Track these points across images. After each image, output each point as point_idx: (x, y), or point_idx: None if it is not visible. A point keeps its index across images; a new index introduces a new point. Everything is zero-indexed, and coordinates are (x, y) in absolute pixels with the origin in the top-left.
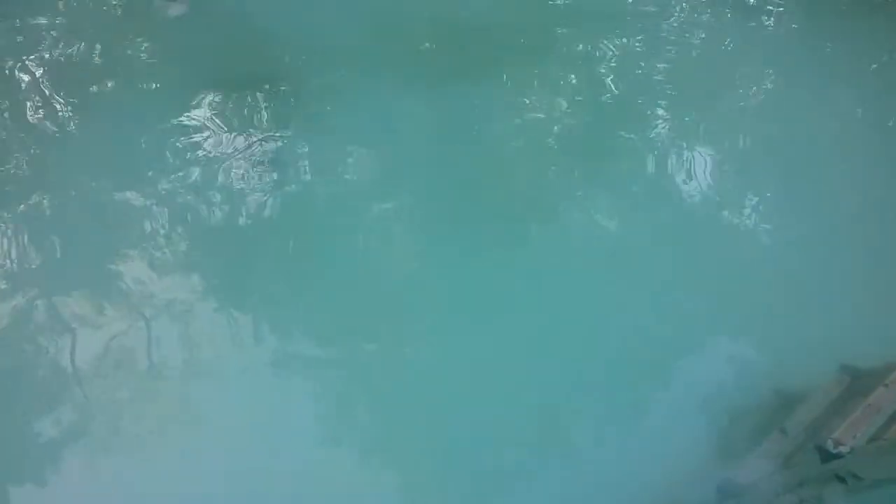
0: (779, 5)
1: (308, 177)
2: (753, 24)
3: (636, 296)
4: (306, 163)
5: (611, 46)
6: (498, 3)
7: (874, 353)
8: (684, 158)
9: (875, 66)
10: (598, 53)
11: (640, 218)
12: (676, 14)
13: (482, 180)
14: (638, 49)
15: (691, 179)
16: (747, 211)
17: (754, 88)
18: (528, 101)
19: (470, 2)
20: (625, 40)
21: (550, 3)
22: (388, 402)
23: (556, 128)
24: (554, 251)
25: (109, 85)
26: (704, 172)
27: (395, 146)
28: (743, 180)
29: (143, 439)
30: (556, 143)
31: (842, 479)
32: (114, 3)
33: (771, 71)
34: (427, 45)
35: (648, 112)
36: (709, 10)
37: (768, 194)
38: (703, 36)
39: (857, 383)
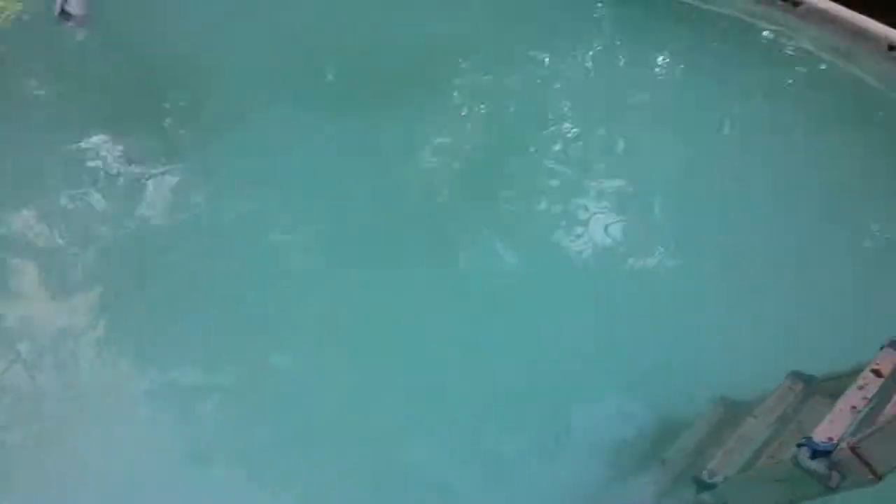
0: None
1: (205, 207)
2: (650, 66)
3: (529, 330)
4: (203, 194)
5: (514, 81)
6: (403, 35)
7: (750, 385)
8: (585, 195)
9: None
10: (502, 87)
11: (539, 252)
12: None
13: (383, 211)
14: (539, 84)
15: (590, 217)
16: (644, 249)
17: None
18: (431, 133)
19: (377, 33)
20: (525, 77)
21: (457, 36)
22: (285, 425)
23: (457, 163)
24: (452, 285)
25: None
26: (604, 211)
27: (296, 177)
28: (643, 216)
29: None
30: (460, 176)
31: None
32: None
33: (669, 106)
34: (332, 75)
35: (551, 143)
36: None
37: (667, 232)
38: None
39: (732, 414)
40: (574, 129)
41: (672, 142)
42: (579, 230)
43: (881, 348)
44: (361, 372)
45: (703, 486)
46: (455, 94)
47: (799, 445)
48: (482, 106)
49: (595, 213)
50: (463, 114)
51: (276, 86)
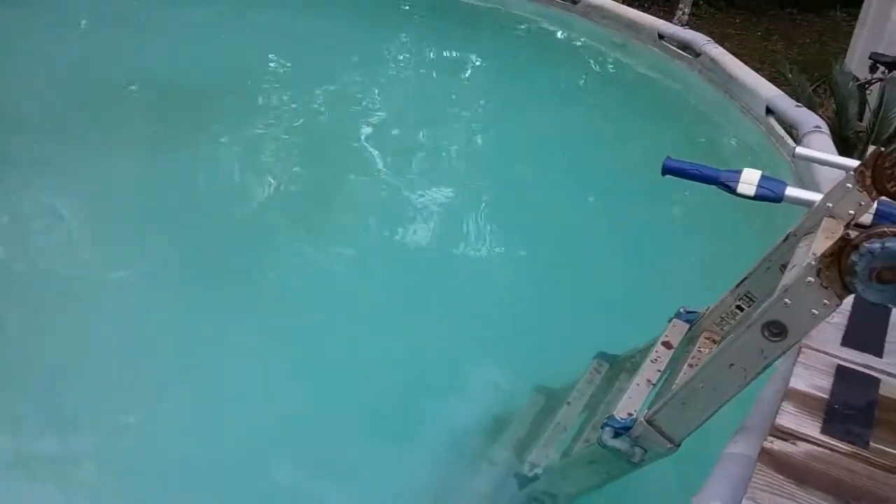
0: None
1: (21, 252)
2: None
3: (363, 336)
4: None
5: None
6: (212, 68)
7: (567, 372)
8: (404, 199)
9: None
10: (314, 109)
11: (370, 259)
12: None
13: (208, 241)
14: (355, 109)
15: (418, 219)
16: (479, 241)
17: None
18: (246, 160)
19: (191, 68)
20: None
21: (266, 65)
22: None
23: (274, 185)
24: (286, 297)
25: None
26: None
27: (117, 214)
28: (462, 215)
29: None
30: (279, 198)
31: (538, 501)
32: None
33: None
34: (144, 110)
35: (367, 161)
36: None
37: (486, 227)
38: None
39: (550, 403)
40: (388, 137)
41: (481, 141)
42: (402, 233)
43: (669, 320)
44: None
45: (524, 480)
46: (260, 116)
47: (602, 426)
48: (289, 125)
49: (415, 217)
50: (272, 135)
51: (86, 124)
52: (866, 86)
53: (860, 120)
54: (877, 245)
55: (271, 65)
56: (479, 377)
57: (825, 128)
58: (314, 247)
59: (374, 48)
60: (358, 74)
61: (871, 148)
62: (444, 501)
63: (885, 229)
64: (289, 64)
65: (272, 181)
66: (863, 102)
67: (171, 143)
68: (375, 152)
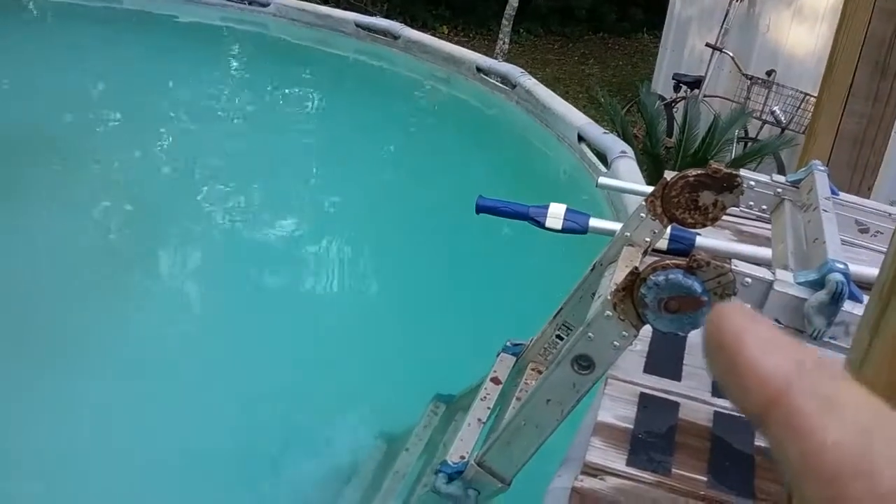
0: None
1: None
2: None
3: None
4: None
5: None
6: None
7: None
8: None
9: None
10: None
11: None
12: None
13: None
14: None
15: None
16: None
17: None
18: (62, 214)
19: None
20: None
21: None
22: None
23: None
24: (128, 354)
25: None
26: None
27: None
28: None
29: None
30: (101, 253)
31: None
32: None
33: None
34: None
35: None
36: None
37: (344, 258)
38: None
39: (391, 449)
40: (214, 180)
41: (333, 176)
42: (233, 281)
43: (497, 354)
44: None
45: None
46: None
47: (436, 472)
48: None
49: (247, 260)
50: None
51: None
52: (672, 104)
53: (669, 136)
54: (661, 277)
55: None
56: (322, 428)
57: (631, 152)
58: (142, 300)
59: (202, 89)
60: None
61: (668, 174)
62: None
63: (668, 261)
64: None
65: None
66: (670, 120)
67: None
68: (202, 194)
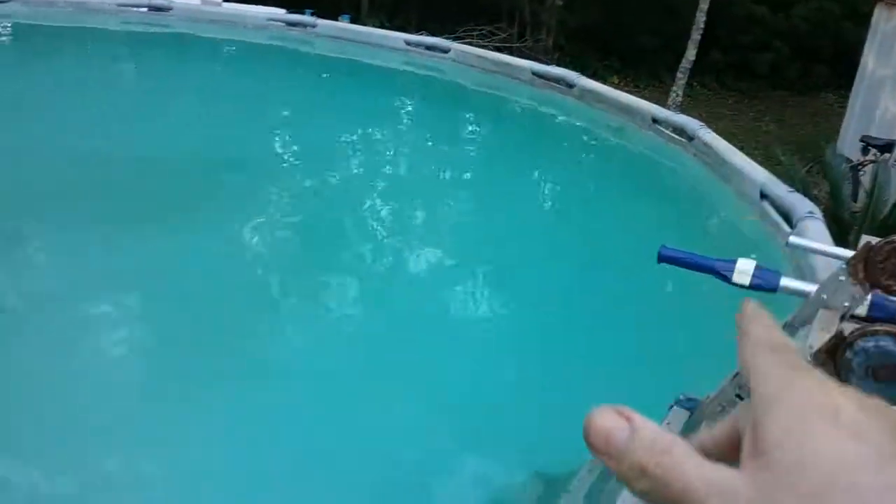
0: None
1: None
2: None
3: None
4: None
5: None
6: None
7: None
8: (394, 285)
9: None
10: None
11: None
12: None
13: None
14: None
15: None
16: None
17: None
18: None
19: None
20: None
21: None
22: None
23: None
24: (276, 381)
25: None
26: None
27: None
28: (470, 280)
29: None
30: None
31: None
32: None
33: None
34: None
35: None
36: None
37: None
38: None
39: (548, 492)
40: (395, 204)
41: (487, 212)
42: (412, 299)
43: (669, 407)
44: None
45: None
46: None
47: None
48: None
49: (428, 282)
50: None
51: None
52: (859, 168)
53: (854, 200)
54: (871, 343)
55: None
56: (470, 470)
57: (818, 213)
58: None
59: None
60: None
61: (864, 238)
62: None
63: (878, 327)
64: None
65: (265, 259)
66: (856, 183)
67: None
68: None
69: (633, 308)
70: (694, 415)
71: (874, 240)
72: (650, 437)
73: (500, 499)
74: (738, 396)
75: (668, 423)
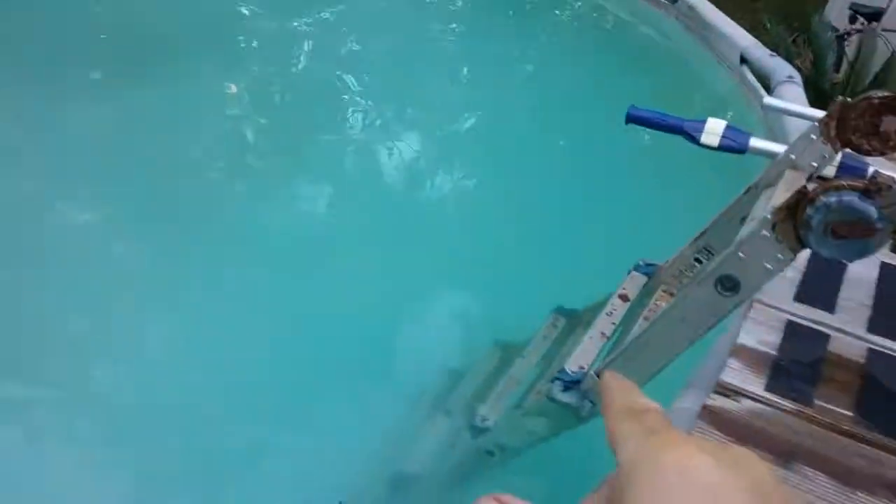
0: None
1: None
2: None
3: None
4: None
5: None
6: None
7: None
8: (389, 145)
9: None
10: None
11: (348, 208)
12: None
13: (173, 187)
14: (330, 38)
15: (397, 164)
16: (455, 183)
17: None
18: (215, 101)
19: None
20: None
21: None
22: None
23: (248, 128)
24: (253, 248)
25: None
26: (409, 153)
27: (73, 161)
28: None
29: None
30: (251, 142)
31: (490, 453)
32: None
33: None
34: (99, 48)
35: (347, 100)
36: None
37: (474, 166)
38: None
39: (507, 356)
40: (370, 75)
41: (460, 88)
42: (388, 175)
43: (628, 272)
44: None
45: (476, 431)
46: (243, 47)
47: (553, 380)
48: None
49: (399, 153)
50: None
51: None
52: (845, 37)
53: (837, 71)
54: (833, 198)
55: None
56: (437, 334)
57: (798, 78)
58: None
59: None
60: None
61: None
62: (402, 451)
63: (843, 182)
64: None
65: (243, 124)
66: (841, 54)
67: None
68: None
69: (606, 176)
70: (652, 279)
71: (850, 98)
72: None
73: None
74: (697, 261)
75: (624, 288)
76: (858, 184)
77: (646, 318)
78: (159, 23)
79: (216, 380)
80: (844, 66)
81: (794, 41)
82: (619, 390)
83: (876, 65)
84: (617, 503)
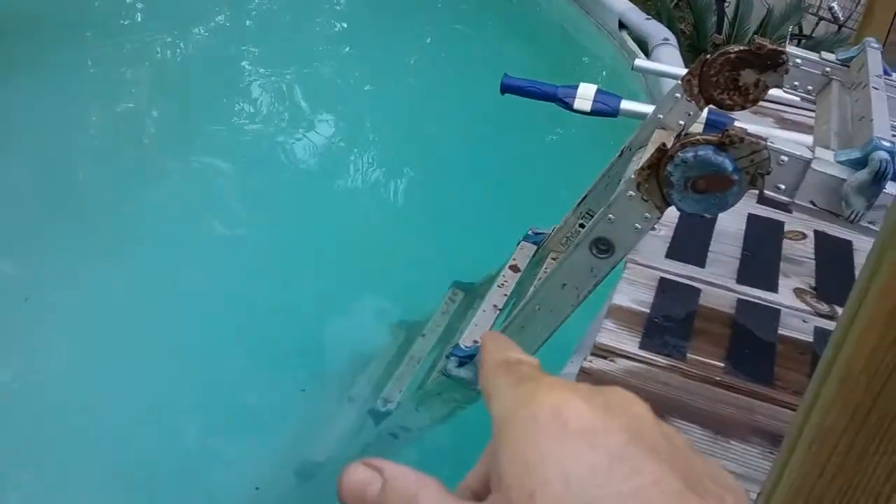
0: None
1: None
2: None
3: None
4: None
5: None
6: None
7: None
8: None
9: None
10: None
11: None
12: None
13: (46, 183)
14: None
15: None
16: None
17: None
18: (90, 91)
19: None
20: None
21: None
22: None
23: (128, 120)
24: (163, 238)
25: None
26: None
27: None
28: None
29: None
30: (133, 133)
31: (394, 435)
32: None
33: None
34: None
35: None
36: None
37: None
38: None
39: (409, 336)
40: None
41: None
42: (294, 157)
43: (518, 243)
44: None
45: (378, 416)
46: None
47: (447, 356)
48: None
49: (307, 138)
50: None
51: None
52: None
53: (719, 33)
54: (690, 154)
55: None
56: (339, 316)
57: (674, 40)
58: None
59: None
60: None
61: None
62: (308, 439)
63: (699, 137)
64: None
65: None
66: (721, 15)
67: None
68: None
69: (489, 147)
70: (541, 248)
71: (709, 55)
72: (400, 487)
73: None
74: (581, 226)
75: (514, 259)
76: (713, 138)
77: (535, 288)
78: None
79: (127, 379)
80: (726, 27)
81: (675, 5)
82: (495, 347)
83: (754, 24)
84: (494, 459)
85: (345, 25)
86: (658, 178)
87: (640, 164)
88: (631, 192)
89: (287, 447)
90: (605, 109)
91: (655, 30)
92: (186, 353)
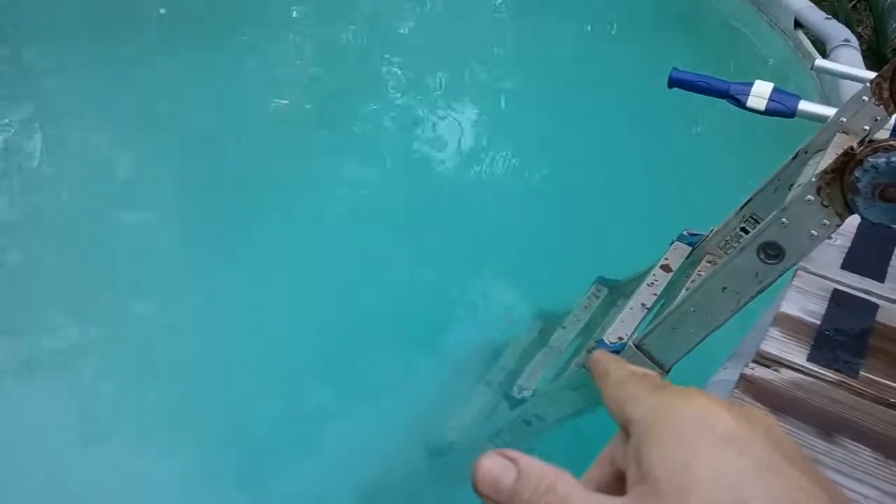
0: None
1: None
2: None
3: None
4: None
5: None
6: None
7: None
8: (422, 120)
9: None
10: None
11: (392, 184)
12: None
13: (228, 152)
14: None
15: (443, 141)
16: (498, 165)
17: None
18: (271, 68)
19: None
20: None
21: None
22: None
23: (304, 99)
24: (308, 216)
25: None
26: (455, 133)
27: (135, 129)
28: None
29: None
30: (305, 111)
31: (527, 423)
32: None
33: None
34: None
35: (395, 73)
36: None
37: (514, 139)
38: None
39: (547, 327)
40: (414, 52)
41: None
42: (434, 147)
43: (671, 243)
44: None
45: (514, 402)
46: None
47: (590, 350)
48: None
49: (439, 128)
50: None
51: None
52: None
53: None
54: (882, 160)
55: None
56: (480, 302)
57: (855, 41)
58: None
59: None
60: None
61: None
62: (444, 419)
63: (893, 142)
64: None
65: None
66: None
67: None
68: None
69: (650, 145)
70: (696, 250)
71: None
72: (536, 477)
73: None
74: (743, 230)
75: (666, 259)
76: None
77: (688, 290)
78: None
79: (268, 350)
80: None
81: (854, 7)
82: (612, 361)
83: None
84: (632, 456)
85: (497, 17)
86: (842, 184)
87: (823, 167)
88: (809, 196)
89: (420, 425)
90: (781, 109)
91: (836, 30)
92: (325, 328)
